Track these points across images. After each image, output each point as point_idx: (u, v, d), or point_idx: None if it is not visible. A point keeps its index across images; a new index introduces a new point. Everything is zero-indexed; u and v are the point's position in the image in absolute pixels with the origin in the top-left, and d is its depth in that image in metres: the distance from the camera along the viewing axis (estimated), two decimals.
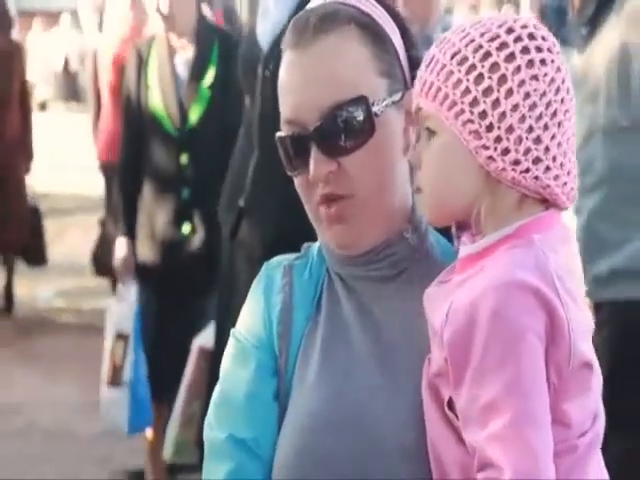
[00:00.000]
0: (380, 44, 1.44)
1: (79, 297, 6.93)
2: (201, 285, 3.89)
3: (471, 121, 1.27)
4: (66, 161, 11.31)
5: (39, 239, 6.28)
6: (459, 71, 1.28)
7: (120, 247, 4.13)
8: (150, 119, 4.09)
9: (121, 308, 4.05)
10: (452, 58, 1.29)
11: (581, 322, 1.26)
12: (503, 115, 1.26)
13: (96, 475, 4.28)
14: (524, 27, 1.30)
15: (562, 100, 1.29)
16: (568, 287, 1.25)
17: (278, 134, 1.45)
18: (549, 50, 1.29)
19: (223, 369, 1.50)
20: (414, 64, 1.44)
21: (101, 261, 6.55)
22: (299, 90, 1.41)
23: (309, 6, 1.48)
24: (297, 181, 1.46)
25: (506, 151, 1.26)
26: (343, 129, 1.39)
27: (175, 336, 3.84)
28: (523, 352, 1.21)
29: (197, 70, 4.08)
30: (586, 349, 1.26)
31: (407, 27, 1.49)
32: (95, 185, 6.83)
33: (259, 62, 2.83)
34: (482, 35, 1.28)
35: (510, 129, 1.26)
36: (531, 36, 1.29)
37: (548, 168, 1.27)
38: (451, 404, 1.27)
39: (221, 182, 3.11)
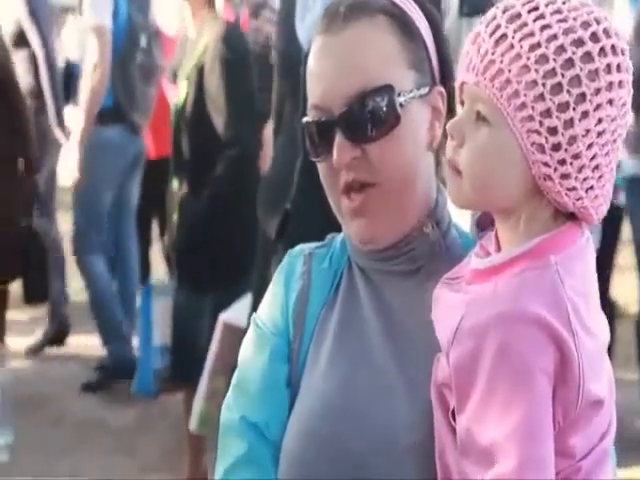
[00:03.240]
0: (410, 36, 1.44)
1: None
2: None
3: (538, 133, 1.19)
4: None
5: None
6: (536, 71, 1.18)
7: None
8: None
9: None
10: (530, 51, 1.18)
11: (593, 354, 1.20)
12: (574, 139, 1.18)
13: (125, 466, 4.26)
14: (607, 34, 1.20)
15: (626, 125, 1.23)
16: (582, 314, 1.20)
17: (304, 119, 1.46)
18: (627, 70, 1.21)
19: (242, 353, 1.54)
20: (444, 60, 1.46)
21: None
22: (326, 76, 1.42)
23: None
24: (321, 168, 1.47)
25: (566, 176, 1.19)
26: (368, 116, 1.40)
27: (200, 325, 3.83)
28: (530, 393, 1.16)
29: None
30: (596, 387, 1.21)
31: (438, 23, 1.49)
32: None
33: (301, 62, 2.79)
34: (566, 34, 1.19)
35: (577, 155, 1.19)
36: (613, 49, 1.21)
37: (596, 196, 1.22)
38: (455, 413, 1.24)
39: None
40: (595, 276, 1.27)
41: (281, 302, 1.52)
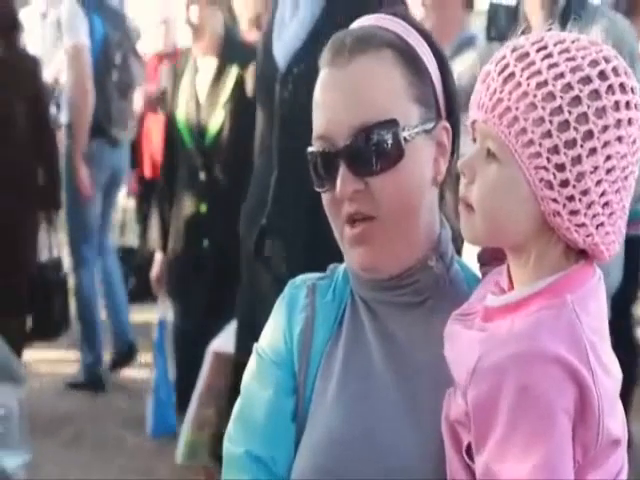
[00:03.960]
0: (416, 71, 1.44)
1: None
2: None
3: (546, 169, 1.18)
4: None
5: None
6: (543, 108, 1.18)
7: (156, 262, 4.19)
8: (177, 136, 4.14)
9: None
10: (537, 88, 1.19)
11: (610, 393, 1.19)
12: (582, 175, 1.18)
13: None
14: (616, 73, 1.20)
15: (638, 161, 1.21)
16: (599, 353, 1.19)
17: (309, 149, 1.46)
18: (637, 106, 1.20)
19: (244, 384, 1.52)
20: (450, 95, 1.45)
21: None
22: (331, 107, 1.42)
23: (350, 27, 1.50)
24: (325, 198, 1.46)
25: (576, 212, 1.19)
26: (372, 150, 1.39)
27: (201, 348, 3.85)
28: (552, 433, 1.15)
29: (214, 86, 4.09)
30: (614, 426, 1.20)
31: (445, 58, 1.49)
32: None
33: (276, 81, 2.82)
34: (573, 72, 1.18)
35: (585, 192, 1.19)
36: (622, 87, 1.20)
37: (607, 233, 1.22)
38: (469, 450, 1.23)
39: (239, 198, 3.12)
40: (606, 315, 1.27)
41: (284, 332, 1.50)
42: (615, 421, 1.20)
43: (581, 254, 1.24)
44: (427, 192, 1.44)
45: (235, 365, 3.07)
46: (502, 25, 3.38)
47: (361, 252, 1.43)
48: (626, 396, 3.70)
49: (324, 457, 1.42)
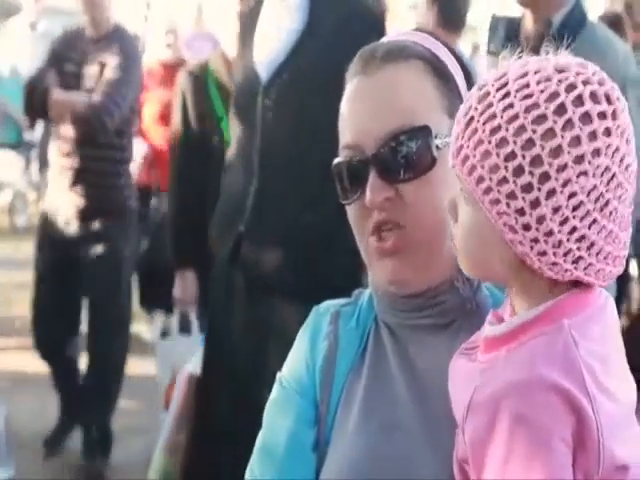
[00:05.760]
0: (445, 83, 1.43)
1: None
2: None
3: (507, 214, 1.15)
4: None
5: None
6: (497, 155, 1.15)
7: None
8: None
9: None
10: (491, 134, 1.15)
11: (616, 418, 1.15)
12: (542, 218, 1.14)
13: None
14: (578, 103, 1.13)
15: (618, 185, 1.16)
16: (600, 378, 1.14)
17: (335, 160, 1.43)
18: (607, 132, 1.14)
19: (266, 414, 1.50)
20: None
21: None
22: (361, 115, 1.41)
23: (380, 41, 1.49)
24: (350, 210, 1.44)
25: (543, 253, 1.15)
26: (404, 156, 1.38)
27: None
28: (549, 462, 1.11)
29: None
30: (621, 452, 1.15)
31: (470, 72, 1.47)
32: None
33: (258, 92, 2.80)
34: (527, 111, 1.14)
35: (549, 233, 1.14)
36: (586, 118, 1.13)
37: (590, 265, 1.17)
38: None
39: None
40: (618, 337, 1.23)
41: (306, 362, 1.49)
42: (622, 447, 1.15)
43: (576, 281, 1.20)
44: None
45: (202, 386, 3.04)
46: (502, 38, 3.33)
47: (389, 264, 1.41)
48: None
49: None
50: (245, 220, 2.83)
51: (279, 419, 1.47)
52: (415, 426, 1.38)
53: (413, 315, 1.43)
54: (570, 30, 3.16)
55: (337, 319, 1.50)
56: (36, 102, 4.42)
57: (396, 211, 1.39)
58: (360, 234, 1.43)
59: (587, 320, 1.18)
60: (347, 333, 1.48)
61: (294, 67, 2.78)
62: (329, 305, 1.53)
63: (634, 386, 1.23)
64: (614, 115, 1.15)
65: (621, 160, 1.15)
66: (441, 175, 1.38)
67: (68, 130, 4.44)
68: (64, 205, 4.52)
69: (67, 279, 4.58)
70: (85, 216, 4.49)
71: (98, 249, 4.53)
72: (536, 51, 1.22)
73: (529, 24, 3.25)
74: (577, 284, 1.20)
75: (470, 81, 1.46)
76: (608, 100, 1.15)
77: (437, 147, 1.39)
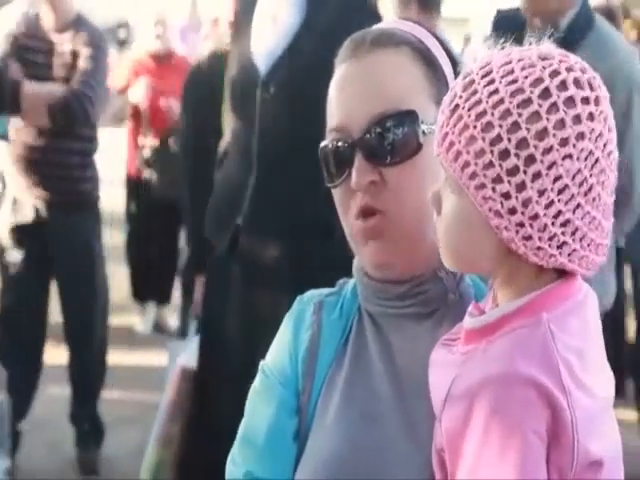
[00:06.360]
0: (433, 71, 1.44)
1: (110, 311, 6.98)
2: None
3: (492, 199, 1.15)
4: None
5: None
6: (483, 139, 1.15)
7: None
8: None
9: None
10: (477, 119, 1.16)
11: (591, 413, 1.15)
12: (528, 201, 1.14)
13: None
14: (564, 86, 1.15)
15: (601, 171, 1.17)
16: (576, 372, 1.15)
17: (322, 143, 1.44)
18: (590, 117, 1.15)
19: (248, 402, 1.50)
20: None
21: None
22: (349, 98, 1.41)
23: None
24: (336, 193, 1.44)
25: (529, 238, 1.15)
26: (390, 139, 1.38)
27: None
28: (522, 456, 1.11)
29: None
30: (596, 448, 1.15)
31: (457, 62, 1.48)
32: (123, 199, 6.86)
33: (256, 85, 2.80)
34: (512, 96, 1.15)
35: (535, 217, 1.14)
36: (570, 102, 1.14)
37: (574, 250, 1.18)
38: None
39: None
40: (597, 332, 1.23)
41: (289, 351, 1.49)
42: (598, 442, 1.16)
43: (559, 272, 1.21)
44: None
45: (198, 381, 3.03)
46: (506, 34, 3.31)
47: (373, 246, 1.41)
48: None
49: (324, 478, 1.39)
50: (243, 213, 2.82)
51: (261, 408, 1.47)
52: (395, 416, 1.39)
53: (396, 304, 1.43)
54: (578, 32, 3.16)
55: (320, 309, 1.50)
56: (6, 96, 4.29)
57: (379, 197, 1.39)
58: (345, 217, 1.44)
59: (566, 314, 1.18)
60: (330, 324, 1.48)
61: (293, 61, 2.78)
62: (313, 294, 1.54)
63: (612, 381, 1.24)
64: (597, 101, 1.16)
65: (604, 146, 1.17)
66: (426, 162, 1.39)
67: (36, 122, 4.35)
68: (30, 198, 4.45)
69: (37, 271, 4.53)
70: (52, 208, 4.43)
71: (68, 241, 4.49)
72: None
73: (535, 28, 3.22)
74: (561, 275, 1.21)
75: (457, 71, 1.45)
76: (591, 87, 1.17)
77: (423, 132, 1.39)
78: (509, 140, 1.14)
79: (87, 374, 4.67)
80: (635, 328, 4.90)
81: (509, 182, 1.14)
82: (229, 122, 2.99)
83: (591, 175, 1.15)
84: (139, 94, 6.31)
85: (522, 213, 1.14)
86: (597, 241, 1.19)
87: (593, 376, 1.18)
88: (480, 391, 1.13)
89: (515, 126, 1.14)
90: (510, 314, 1.18)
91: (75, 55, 4.41)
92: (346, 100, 1.42)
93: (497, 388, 1.12)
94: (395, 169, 1.39)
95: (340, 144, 1.41)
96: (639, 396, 4.67)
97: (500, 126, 1.14)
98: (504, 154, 1.14)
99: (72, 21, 4.48)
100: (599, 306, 1.26)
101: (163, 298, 6.76)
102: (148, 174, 6.26)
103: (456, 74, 1.41)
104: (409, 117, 1.39)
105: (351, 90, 1.42)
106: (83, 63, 4.38)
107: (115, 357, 5.93)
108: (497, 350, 1.16)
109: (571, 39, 3.10)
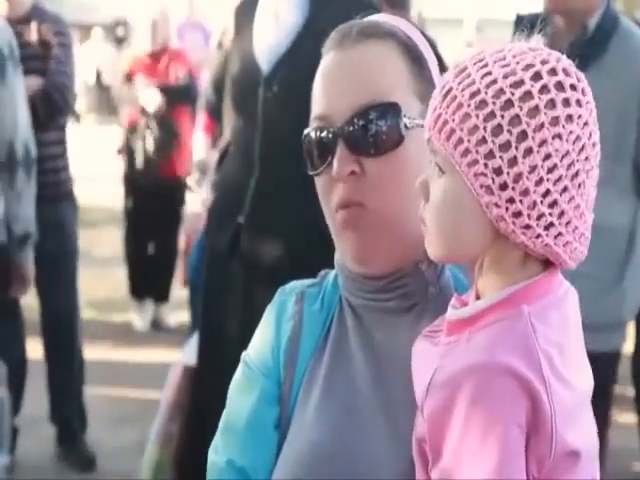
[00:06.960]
0: (419, 66, 1.45)
1: (109, 308, 7.03)
2: None
3: (484, 174, 1.18)
4: (97, 172, 11.37)
5: None
6: (477, 116, 1.19)
7: None
8: None
9: None
10: (470, 98, 1.19)
11: (570, 405, 1.18)
12: (519, 176, 1.17)
13: None
14: (553, 72, 1.19)
15: (586, 158, 1.20)
16: (556, 365, 1.17)
17: (305, 131, 1.45)
18: (578, 103, 1.19)
19: (230, 393, 1.51)
20: None
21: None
22: (334, 87, 1.42)
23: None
24: (318, 182, 1.45)
25: (518, 214, 1.18)
26: (373, 130, 1.39)
27: None
28: (502, 445, 1.14)
29: None
30: (573, 438, 1.18)
31: (442, 58, 1.50)
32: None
33: (259, 83, 2.80)
34: (505, 77, 1.19)
35: (525, 192, 1.17)
36: (559, 86, 1.19)
37: (560, 234, 1.20)
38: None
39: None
40: (577, 327, 1.25)
41: (271, 342, 1.50)
42: (575, 434, 1.19)
43: (544, 264, 1.23)
44: None
45: (196, 377, 3.04)
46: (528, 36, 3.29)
47: (352, 238, 1.41)
48: None
49: (303, 471, 1.40)
50: (244, 211, 2.83)
51: (242, 398, 1.48)
52: (374, 407, 1.40)
53: (377, 297, 1.44)
54: (605, 32, 3.16)
55: (302, 300, 1.51)
56: None
57: (359, 189, 1.40)
58: (327, 206, 1.45)
59: (546, 308, 1.21)
60: (312, 314, 1.49)
61: (295, 59, 2.79)
62: (295, 285, 1.54)
63: (590, 375, 1.27)
64: (584, 92, 1.21)
65: (590, 135, 1.20)
66: (407, 156, 1.40)
67: None
68: None
69: None
70: (38, 201, 4.18)
71: (51, 234, 4.34)
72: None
73: (562, 30, 3.19)
74: (546, 266, 1.23)
75: (442, 66, 1.50)
76: (578, 78, 1.21)
77: (405, 126, 1.40)
78: (502, 117, 1.17)
79: (66, 369, 4.63)
80: (634, 333, 4.89)
81: (501, 157, 1.17)
82: (230, 120, 3.00)
83: (578, 160, 1.19)
84: (152, 104, 6.31)
85: (513, 188, 1.17)
86: (581, 230, 1.22)
87: (572, 370, 1.20)
88: (462, 380, 1.15)
89: (508, 103, 1.17)
90: (493, 306, 1.21)
91: (45, 45, 4.34)
92: (330, 89, 1.43)
93: (479, 377, 1.14)
94: (376, 161, 1.39)
95: (323, 133, 1.42)
96: (638, 400, 4.67)
97: (494, 103, 1.18)
98: (497, 130, 1.17)
99: (29, 11, 4.40)
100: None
101: (161, 296, 6.77)
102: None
103: (442, 68, 1.46)
104: (392, 109, 1.40)
105: (336, 80, 1.43)
106: (57, 52, 4.33)
107: (115, 354, 5.98)
108: (480, 341, 1.18)
109: (600, 39, 3.12)
